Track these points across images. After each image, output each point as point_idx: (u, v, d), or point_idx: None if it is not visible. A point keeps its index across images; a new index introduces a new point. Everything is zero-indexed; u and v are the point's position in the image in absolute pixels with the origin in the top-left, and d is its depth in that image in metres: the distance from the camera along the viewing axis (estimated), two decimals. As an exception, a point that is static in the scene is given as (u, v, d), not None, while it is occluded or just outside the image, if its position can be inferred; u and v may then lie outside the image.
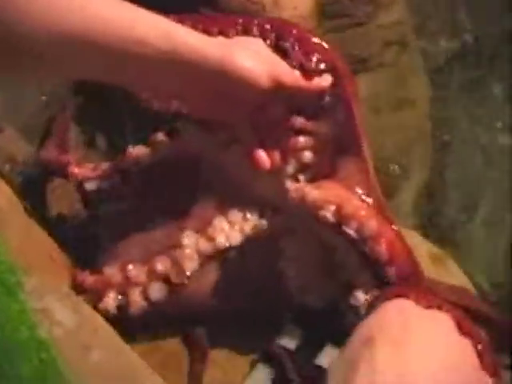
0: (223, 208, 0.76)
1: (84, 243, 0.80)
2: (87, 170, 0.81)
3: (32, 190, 0.85)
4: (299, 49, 0.73)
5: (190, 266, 0.73)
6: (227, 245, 0.73)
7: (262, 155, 0.72)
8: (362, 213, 0.68)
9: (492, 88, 1.26)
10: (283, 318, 0.73)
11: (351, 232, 0.67)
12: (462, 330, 0.50)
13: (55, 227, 0.80)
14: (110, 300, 0.73)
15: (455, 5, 1.32)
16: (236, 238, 0.74)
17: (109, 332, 0.59)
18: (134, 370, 0.56)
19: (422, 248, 0.94)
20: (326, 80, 0.72)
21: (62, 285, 0.62)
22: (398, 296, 0.53)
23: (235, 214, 0.75)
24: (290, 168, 0.75)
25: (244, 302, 0.75)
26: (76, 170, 0.81)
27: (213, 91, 0.68)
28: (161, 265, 0.73)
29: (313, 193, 0.69)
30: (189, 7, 0.78)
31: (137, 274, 0.74)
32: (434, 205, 1.15)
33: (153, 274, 0.73)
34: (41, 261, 0.67)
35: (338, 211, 0.68)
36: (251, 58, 0.67)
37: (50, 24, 0.59)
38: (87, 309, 0.59)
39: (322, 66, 0.73)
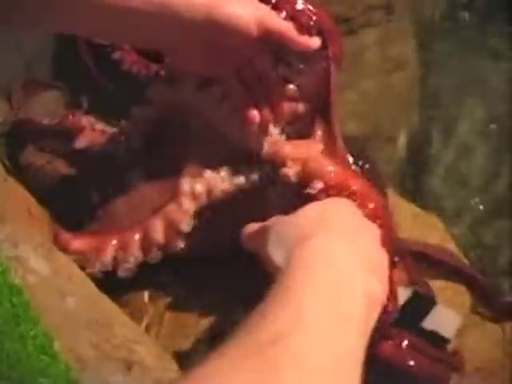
0: (214, 164, 0.75)
1: (71, 206, 0.80)
2: (98, 135, 0.82)
3: (16, 152, 0.85)
4: (288, 9, 0.72)
5: (185, 225, 0.72)
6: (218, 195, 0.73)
7: (251, 109, 0.72)
8: (327, 172, 0.66)
9: (485, 48, 1.26)
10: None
11: (311, 191, 0.65)
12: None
13: (43, 189, 0.79)
14: (97, 263, 0.72)
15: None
16: (226, 191, 0.74)
17: (84, 280, 0.59)
18: (109, 316, 0.56)
19: (405, 208, 0.94)
20: (315, 41, 0.71)
21: (38, 235, 0.62)
22: None
23: (225, 169, 0.74)
24: (280, 122, 0.74)
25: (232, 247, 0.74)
26: (90, 136, 0.81)
27: (203, 42, 0.67)
28: (155, 230, 0.72)
29: (285, 148, 0.69)
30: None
31: (131, 238, 0.73)
32: (420, 167, 1.15)
33: (147, 239, 0.73)
34: (17, 214, 0.67)
35: (302, 171, 0.67)
36: (239, 5, 0.66)
37: None
38: (62, 257, 0.59)
39: (311, 26, 0.71)
